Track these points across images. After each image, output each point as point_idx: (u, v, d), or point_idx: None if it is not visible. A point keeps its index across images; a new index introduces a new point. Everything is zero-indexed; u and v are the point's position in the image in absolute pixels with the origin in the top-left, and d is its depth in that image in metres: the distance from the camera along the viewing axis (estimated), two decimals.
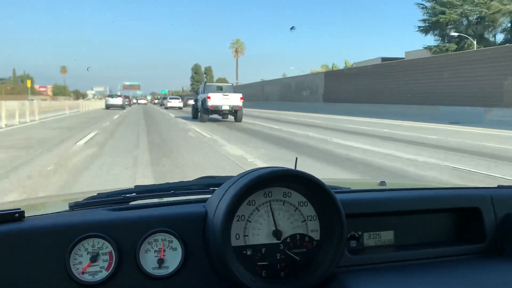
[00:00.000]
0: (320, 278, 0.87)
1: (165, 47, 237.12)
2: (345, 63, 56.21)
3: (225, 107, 17.09)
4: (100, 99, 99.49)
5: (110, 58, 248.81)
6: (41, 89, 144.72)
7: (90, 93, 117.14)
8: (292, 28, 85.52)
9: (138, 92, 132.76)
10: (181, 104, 42.67)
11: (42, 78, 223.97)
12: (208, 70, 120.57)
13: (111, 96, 36.25)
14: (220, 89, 18.62)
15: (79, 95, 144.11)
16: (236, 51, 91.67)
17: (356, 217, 1.00)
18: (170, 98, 44.80)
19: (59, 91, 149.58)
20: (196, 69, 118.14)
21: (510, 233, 1.06)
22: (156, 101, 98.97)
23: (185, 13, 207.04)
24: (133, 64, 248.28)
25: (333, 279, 0.89)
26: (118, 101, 34.12)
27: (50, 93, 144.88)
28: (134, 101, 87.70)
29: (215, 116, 18.82)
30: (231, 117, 18.74)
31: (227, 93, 17.45)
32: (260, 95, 49.92)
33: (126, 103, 43.05)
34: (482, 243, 1.06)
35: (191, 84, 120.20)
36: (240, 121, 17.71)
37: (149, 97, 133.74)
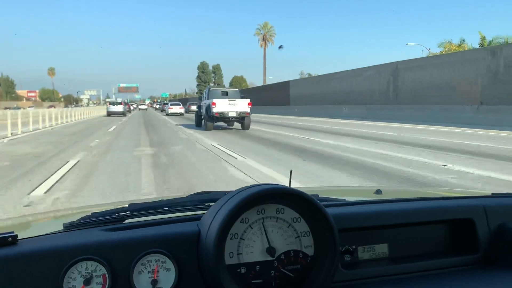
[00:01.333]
0: None
1: (165, 45, 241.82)
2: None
3: (232, 114, 17.15)
4: (95, 104, 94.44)
5: (103, 59, 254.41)
6: (30, 94, 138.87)
7: (84, 97, 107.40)
8: (280, 47, 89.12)
9: (136, 96, 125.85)
10: (182, 110, 44.34)
11: (32, 83, 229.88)
12: (217, 69, 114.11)
13: (113, 103, 41.45)
14: (225, 94, 18.58)
15: (71, 100, 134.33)
16: (264, 39, 76.63)
17: (350, 231, 1.07)
18: (171, 104, 46.39)
19: (47, 96, 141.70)
20: (203, 68, 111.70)
21: (504, 243, 1.13)
22: (157, 106, 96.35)
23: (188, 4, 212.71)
24: (129, 65, 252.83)
25: None
26: (119, 108, 39.06)
27: (39, 98, 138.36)
28: (134, 106, 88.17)
29: (220, 123, 18.80)
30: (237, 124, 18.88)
31: (233, 99, 17.46)
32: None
33: (127, 109, 46.90)
34: (476, 253, 1.13)
35: (198, 85, 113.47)
36: (247, 128, 17.65)
37: (147, 101, 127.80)
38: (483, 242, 1.15)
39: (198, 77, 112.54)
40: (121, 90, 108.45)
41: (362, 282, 1.03)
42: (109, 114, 39.29)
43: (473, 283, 1.03)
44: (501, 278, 1.05)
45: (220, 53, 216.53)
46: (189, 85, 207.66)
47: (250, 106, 17.61)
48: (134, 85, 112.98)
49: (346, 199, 1.28)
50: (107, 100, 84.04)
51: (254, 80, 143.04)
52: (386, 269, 1.07)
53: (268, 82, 69.04)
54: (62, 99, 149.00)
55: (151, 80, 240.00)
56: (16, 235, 0.90)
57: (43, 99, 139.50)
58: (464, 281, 1.04)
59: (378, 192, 1.50)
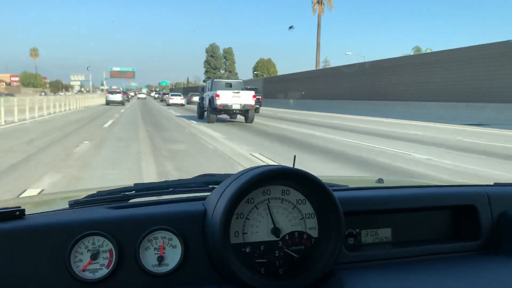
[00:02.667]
0: (319, 275, 1.02)
1: (164, 28, 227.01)
2: None
3: (236, 107, 17.87)
4: (87, 91, 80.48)
5: (94, 42, 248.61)
6: (13, 78, 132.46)
7: (74, 83, 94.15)
8: (290, 27, 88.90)
9: (133, 84, 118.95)
10: (183, 101, 47.80)
11: (16, 66, 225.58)
12: (228, 53, 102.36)
13: (111, 92, 47.19)
14: (229, 86, 19.37)
15: (60, 86, 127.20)
16: (319, 1, 58.54)
17: (354, 214, 1.17)
18: (172, 95, 50.30)
19: (30, 81, 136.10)
20: (212, 51, 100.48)
21: (506, 231, 1.25)
22: (157, 95, 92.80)
23: None
24: (123, 49, 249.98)
25: (331, 276, 1.04)
26: (118, 97, 44.85)
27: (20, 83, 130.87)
28: (132, 94, 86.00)
29: (223, 115, 19.45)
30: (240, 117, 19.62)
31: (237, 91, 18.14)
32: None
33: (125, 98, 52.09)
34: (478, 240, 1.25)
35: (206, 72, 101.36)
36: (251, 121, 18.39)
37: (144, 90, 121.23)
38: (485, 229, 1.26)
39: (207, 62, 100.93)
40: (114, 75, 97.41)
41: (365, 264, 1.14)
42: (108, 103, 44.32)
43: (474, 269, 1.14)
44: (502, 265, 1.15)
45: (233, 35, 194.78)
46: (193, 73, 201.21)
47: (255, 98, 18.34)
48: (130, 69, 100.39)
49: (349, 186, 1.39)
50: (101, 87, 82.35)
51: (282, 68, 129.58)
52: (388, 253, 1.18)
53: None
54: (48, 85, 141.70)
55: (147, 67, 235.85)
56: (24, 210, 0.98)
57: (24, 85, 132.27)
58: (466, 266, 1.15)
59: (380, 181, 1.62)
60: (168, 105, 47.13)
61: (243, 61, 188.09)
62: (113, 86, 54.57)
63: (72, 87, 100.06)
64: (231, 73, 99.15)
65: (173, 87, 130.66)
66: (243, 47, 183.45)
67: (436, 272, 1.10)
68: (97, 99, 49.99)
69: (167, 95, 54.73)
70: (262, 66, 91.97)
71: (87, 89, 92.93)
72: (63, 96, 39.35)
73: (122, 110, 30.21)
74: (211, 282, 1.02)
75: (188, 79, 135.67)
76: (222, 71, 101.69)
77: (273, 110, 34.88)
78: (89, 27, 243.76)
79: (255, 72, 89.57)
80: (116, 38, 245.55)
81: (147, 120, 21.21)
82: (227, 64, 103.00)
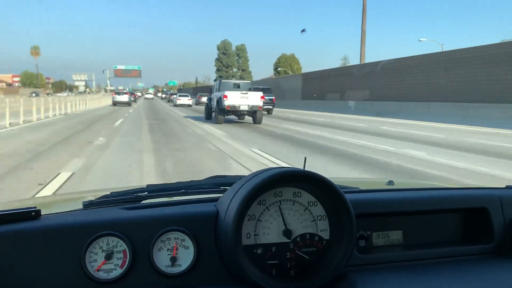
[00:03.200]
0: (330, 277, 1.06)
1: (172, 26, 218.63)
2: None
3: (244, 107, 18.46)
4: (90, 91, 76.14)
5: (99, 41, 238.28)
6: (15, 79, 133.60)
7: (79, 83, 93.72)
8: (302, 30, 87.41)
9: (139, 84, 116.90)
10: (190, 102, 48.96)
11: (20, 66, 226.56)
12: (241, 50, 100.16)
13: (118, 93, 48.61)
14: (237, 87, 19.86)
15: (64, 86, 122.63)
16: None
17: (365, 217, 1.20)
18: (179, 95, 52.07)
19: (31, 81, 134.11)
20: (224, 48, 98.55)
21: None
22: (163, 95, 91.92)
23: None
24: (129, 48, 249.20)
25: (343, 278, 1.08)
26: (125, 98, 46.29)
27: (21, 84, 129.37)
28: (139, 94, 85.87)
29: (231, 116, 19.82)
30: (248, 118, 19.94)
31: (245, 92, 18.71)
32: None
33: (132, 99, 53.84)
34: (490, 243, 1.28)
35: (217, 70, 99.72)
36: (259, 123, 18.74)
37: (151, 90, 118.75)
38: (497, 232, 1.29)
39: (218, 60, 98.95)
40: (118, 74, 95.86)
41: (376, 267, 1.17)
42: (115, 104, 45.80)
43: (486, 272, 1.17)
44: None
45: (245, 33, 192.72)
46: (203, 72, 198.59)
47: (263, 99, 18.77)
48: (136, 67, 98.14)
49: (360, 188, 1.42)
50: (107, 87, 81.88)
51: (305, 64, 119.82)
52: (400, 255, 1.22)
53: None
54: (51, 85, 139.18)
55: (154, 66, 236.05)
56: (39, 210, 1.03)
57: (25, 85, 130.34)
58: (478, 270, 1.18)
59: (390, 183, 1.66)
60: (175, 105, 48.29)
61: (256, 59, 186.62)
62: (120, 86, 55.54)
63: (76, 87, 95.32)
64: (244, 71, 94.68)
65: (181, 87, 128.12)
66: (256, 46, 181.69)
67: (448, 275, 1.14)
68: (99, 101, 49.06)
69: (174, 96, 56.14)
70: (285, 62, 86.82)
71: (92, 90, 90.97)
72: (59, 97, 35.14)
73: (120, 122, 21.10)
74: (223, 283, 1.06)
75: (196, 79, 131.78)
76: (234, 69, 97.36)
77: (331, 116, 27.15)
78: (94, 26, 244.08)
79: (278, 69, 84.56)
80: (121, 37, 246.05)
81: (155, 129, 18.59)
82: (240, 62, 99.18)
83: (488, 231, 1.31)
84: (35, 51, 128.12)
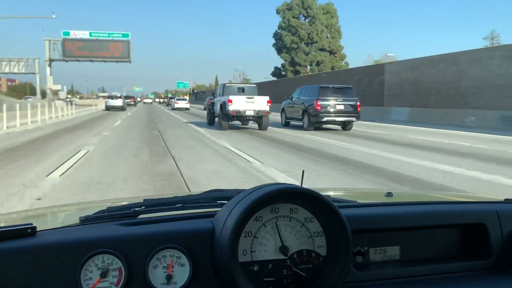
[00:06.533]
0: None
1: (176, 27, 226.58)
2: None
3: (249, 112, 17.77)
4: (66, 100, 54.19)
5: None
6: (9, 84, 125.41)
7: (60, 93, 67.08)
8: None
9: (136, 89, 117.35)
10: (187, 105, 50.40)
11: None
12: (330, 12, 59.69)
13: (111, 97, 46.12)
14: (242, 91, 19.27)
15: (28, 91, 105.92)
16: None
17: (362, 232, 1.21)
18: (177, 99, 54.14)
19: (21, 89, 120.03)
20: (302, 6, 57.52)
21: None
22: (162, 100, 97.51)
23: None
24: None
25: None
26: (118, 102, 44.00)
27: (4, 88, 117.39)
28: (139, 99, 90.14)
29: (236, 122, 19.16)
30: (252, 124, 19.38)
31: (251, 96, 18.10)
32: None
33: (132, 102, 53.59)
34: (488, 259, 1.28)
35: (276, 41, 63.90)
36: (265, 128, 18.11)
37: (151, 96, 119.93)
38: (495, 248, 1.28)
39: (284, 29, 60.43)
40: (69, 47, 64.85)
41: (374, 283, 1.17)
42: (108, 108, 43.68)
43: None
44: None
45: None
46: (199, 79, 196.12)
47: (269, 104, 18.06)
48: (118, 35, 67.81)
49: (358, 201, 1.43)
50: (100, 94, 79.86)
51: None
52: (397, 271, 1.21)
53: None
54: (10, 89, 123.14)
55: (157, 72, 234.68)
56: (35, 227, 1.03)
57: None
58: (476, 286, 1.17)
59: (389, 194, 1.67)
60: (173, 109, 49.15)
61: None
62: (113, 92, 53.75)
63: (57, 94, 66.62)
64: (336, 55, 56.82)
65: (194, 90, 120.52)
66: None
67: None
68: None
69: (172, 100, 58.30)
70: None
71: (69, 98, 71.30)
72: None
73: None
74: None
75: (216, 78, 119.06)
76: (321, 50, 57.16)
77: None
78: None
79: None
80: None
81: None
82: (329, 35, 57.38)
83: (486, 247, 1.30)
84: None
